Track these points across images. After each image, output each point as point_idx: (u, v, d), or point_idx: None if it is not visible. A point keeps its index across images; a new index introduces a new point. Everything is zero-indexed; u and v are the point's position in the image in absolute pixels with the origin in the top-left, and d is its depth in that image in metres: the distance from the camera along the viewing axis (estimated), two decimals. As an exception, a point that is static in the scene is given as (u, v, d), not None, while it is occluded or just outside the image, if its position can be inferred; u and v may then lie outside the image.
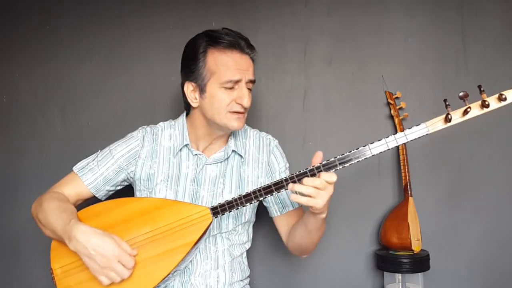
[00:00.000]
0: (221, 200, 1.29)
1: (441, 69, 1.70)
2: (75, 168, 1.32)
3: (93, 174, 1.31)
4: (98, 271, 1.11)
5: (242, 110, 1.24)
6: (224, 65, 1.21)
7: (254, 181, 1.35)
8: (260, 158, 1.37)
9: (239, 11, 1.73)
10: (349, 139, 1.71)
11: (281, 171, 1.38)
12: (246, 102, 1.23)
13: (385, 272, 1.61)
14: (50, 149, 1.72)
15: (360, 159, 1.08)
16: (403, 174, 1.63)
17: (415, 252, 1.56)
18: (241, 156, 1.35)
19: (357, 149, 1.08)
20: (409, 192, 1.62)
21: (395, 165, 1.70)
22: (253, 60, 1.28)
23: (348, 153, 1.09)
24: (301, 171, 1.11)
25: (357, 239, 1.70)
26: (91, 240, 1.11)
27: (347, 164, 1.09)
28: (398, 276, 1.58)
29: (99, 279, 1.12)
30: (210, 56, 1.23)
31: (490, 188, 1.69)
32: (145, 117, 1.66)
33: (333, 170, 1.09)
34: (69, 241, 1.13)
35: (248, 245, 1.42)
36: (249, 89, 1.26)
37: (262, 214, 1.45)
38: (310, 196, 1.08)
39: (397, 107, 1.66)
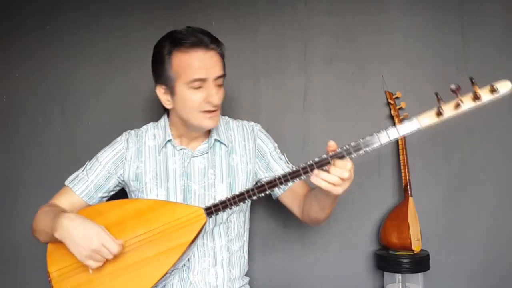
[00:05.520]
0: (213, 191, 1.31)
1: (441, 69, 1.70)
2: (67, 181, 1.35)
3: (84, 183, 1.33)
4: (84, 255, 1.13)
5: (213, 108, 1.25)
6: (189, 65, 1.21)
7: (243, 168, 1.36)
8: (246, 145, 1.38)
9: (239, 11, 1.73)
10: (349, 139, 1.69)
11: (271, 151, 1.40)
12: (216, 100, 1.23)
13: (385, 272, 1.61)
14: (50, 149, 1.72)
15: (353, 155, 1.07)
16: (403, 174, 1.63)
17: (415, 252, 1.56)
18: (226, 146, 1.36)
19: (351, 144, 1.07)
20: (409, 192, 1.62)
21: (395, 165, 1.70)
22: (222, 55, 1.27)
23: (340, 149, 1.07)
24: (295, 169, 1.09)
25: (357, 239, 1.70)
26: (73, 224, 1.14)
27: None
28: (398, 276, 1.58)
29: (86, 263, 1.14)
30: (175, 58, 1.23)
31: (490, 188, 1.69)
32: (145, 117, 1.66)
33: (325, 167, 1.08)
34: (56, 230, 1.16)
35: (246, 238, 1.43)
36: (219, 85, 1.26)
37: (257, 211, 1.45)
38: (333, 184, 1.07)
39: (397, 107, 1.66)
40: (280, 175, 1.11)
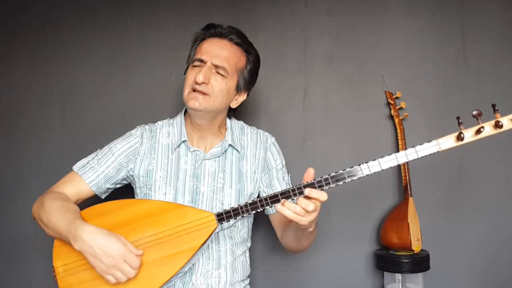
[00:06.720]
0: (221, 195, 1.31)
1: (441, 69, 1.70)
2: (75, 167, 1.32)
3: (94, 172, 1.31)
4: (104, 270, 1.11)
5: (196, 87, 1.25)
6: (200, 48, 1.30)
7: (251, 176, 1.36)
8: (257, 154, 1.38)
9: (239, 11, 1.73)
10: (349, 139, 1.71)
11: (277, 168, 1.39)
12: (199, 77, 1.24)
13: (385, 272, 1.61)
14: (50, 149, 1.72)
15: (370, 173, 1.06)
16: (403, 174, 1.63)
17: (415, 252, 1.56)
18: (238, 151, 1.36)
19: (366, 162, 1.06)
20: (409, 192, 1.62)
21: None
22: (246, 54, 1.32)
23: (356, 166, 1.06)
24: (309, 182, 1.08)
25: (357, 239, 1.70)
26: (97, 240, 1.10)
27: (356, 177, 1.06)
28: (398, 276, 1.58)
29: (105, 278, 1.12)
30: (198, 46, 1.32)
31: (490, 188, 1.69)
32: (145, 117, 1.66)
33: (341, 182, 1.07)
34: (74, 241, 1.12)
35: (249, 243, 1.43)
36: (219, 74, 1.27)
37: (261, 214, 1.45)
38: (297, 214, 1.06)
39: (397, 107, 1.66)
40: (295, 186, 1.09)
